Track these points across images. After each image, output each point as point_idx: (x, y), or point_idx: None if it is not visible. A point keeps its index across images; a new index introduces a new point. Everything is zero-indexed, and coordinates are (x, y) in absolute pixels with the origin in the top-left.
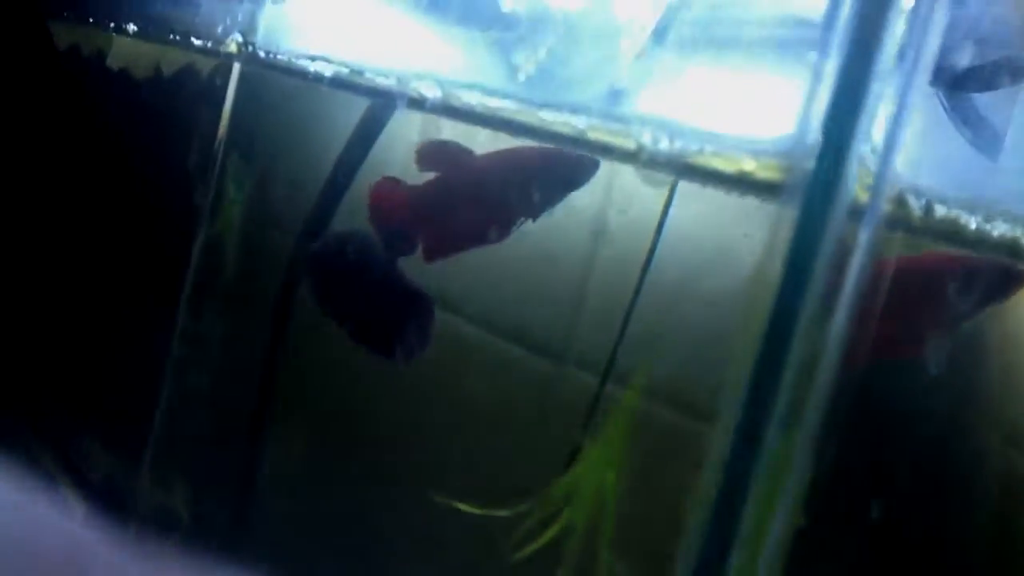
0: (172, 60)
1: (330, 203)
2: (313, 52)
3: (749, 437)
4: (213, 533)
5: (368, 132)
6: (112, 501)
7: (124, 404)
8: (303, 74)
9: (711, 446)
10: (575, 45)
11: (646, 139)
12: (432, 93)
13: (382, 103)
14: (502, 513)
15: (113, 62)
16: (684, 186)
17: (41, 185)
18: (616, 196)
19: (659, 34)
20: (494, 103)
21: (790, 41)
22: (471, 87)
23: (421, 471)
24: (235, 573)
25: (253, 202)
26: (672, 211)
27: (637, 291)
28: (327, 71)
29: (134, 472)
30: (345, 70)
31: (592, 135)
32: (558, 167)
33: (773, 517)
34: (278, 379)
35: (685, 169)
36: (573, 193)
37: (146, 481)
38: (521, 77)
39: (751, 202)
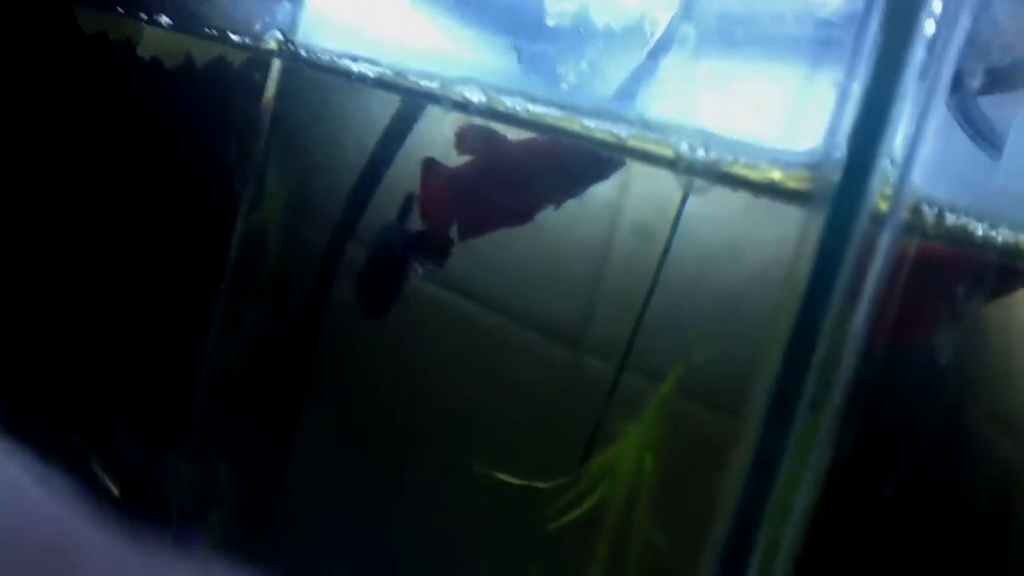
0: (204, 51)
1: (363, 195)
2: (355, 52)
3: (780, 418)
4: (246, 513)
5: (400, 129)
6: (145, 481)
7: (157, 386)
8: (346, 74)
9: (744, 426)
10: (617, 57)
11: (683, 148)
12: (476, 98)
13: (413, 101)
14: (541, 486)
15: (144, 51)
16: (701, 185)
17: (74, 167)
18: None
19: (692, 47)
20: (538, 109)
21: (812, 42)
22: (514, 93)
23: (444, 450)
24: (234, 572)
25: (293, 193)
26: (689, 204)
27: (654, 281)
28: (370, 72)
29: (167, 453)
30: (389, 72)
31: (633, 143)
32: (583, 159)
33: (799, 491)
34: (311, 364)
35: (720, 177)
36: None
37: (180, 462)
38: (564, 87)
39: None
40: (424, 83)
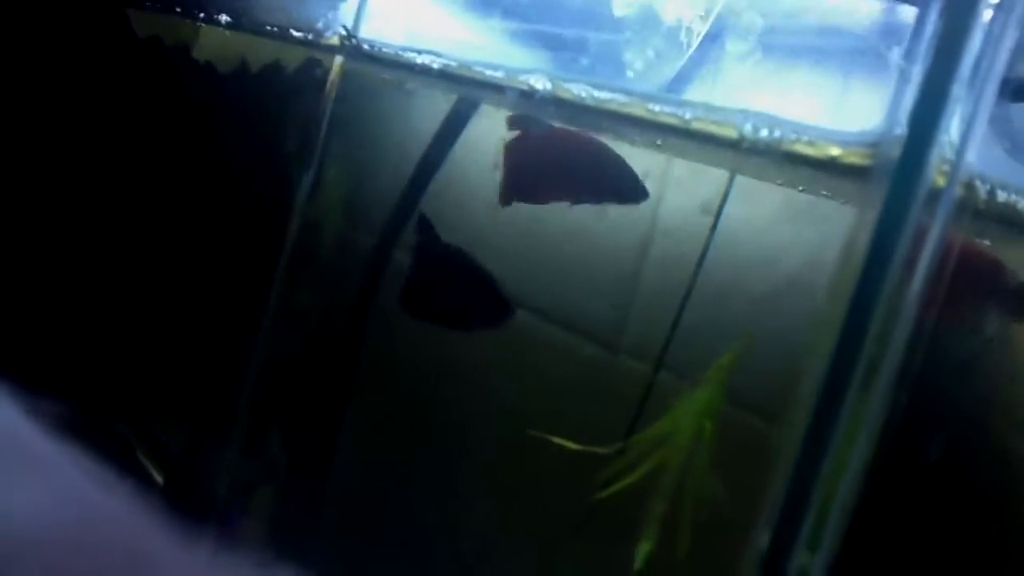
0: (265, 49)
1: (415, 192)
2: (419, 46)
3: (835, 387)
4: (295, 499)
5: (452, 128)
6: (190, 472)
7: (203, 378)
8: (409, 66)
9: (800, 396)
10: (681, 46)
11: (747, 128)
12: (541, 85)
13: (467, 100)
14: (600, 451)
15: (200, 52)
16: (744, 184)
17: (131, 165)
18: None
19: (757, 39)
20: (603, 95)
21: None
22: (579, 81)
23: (484, 444)
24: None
25: (350, 186)
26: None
27: (691, 284)
28: (434, 64)
29: (212, 444)
30: (453, 63)
31: (697, 125)
32: (613, 176)
33: (852, 455)
34: (361, 356)
35: (782, 156)
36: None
37: (226, 452)
38: (630, 74)
39: (803, 202)
40: (489, 73)
